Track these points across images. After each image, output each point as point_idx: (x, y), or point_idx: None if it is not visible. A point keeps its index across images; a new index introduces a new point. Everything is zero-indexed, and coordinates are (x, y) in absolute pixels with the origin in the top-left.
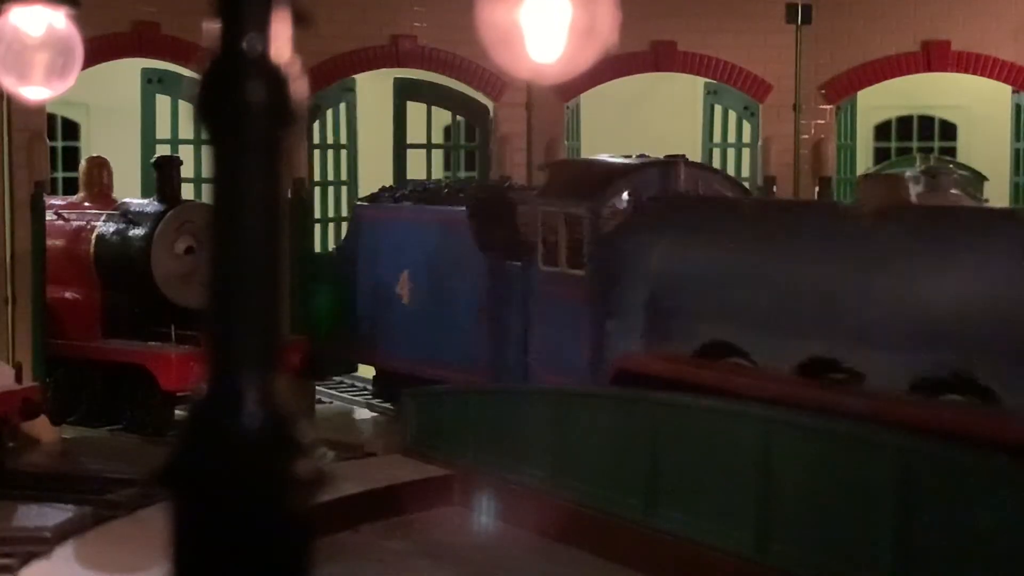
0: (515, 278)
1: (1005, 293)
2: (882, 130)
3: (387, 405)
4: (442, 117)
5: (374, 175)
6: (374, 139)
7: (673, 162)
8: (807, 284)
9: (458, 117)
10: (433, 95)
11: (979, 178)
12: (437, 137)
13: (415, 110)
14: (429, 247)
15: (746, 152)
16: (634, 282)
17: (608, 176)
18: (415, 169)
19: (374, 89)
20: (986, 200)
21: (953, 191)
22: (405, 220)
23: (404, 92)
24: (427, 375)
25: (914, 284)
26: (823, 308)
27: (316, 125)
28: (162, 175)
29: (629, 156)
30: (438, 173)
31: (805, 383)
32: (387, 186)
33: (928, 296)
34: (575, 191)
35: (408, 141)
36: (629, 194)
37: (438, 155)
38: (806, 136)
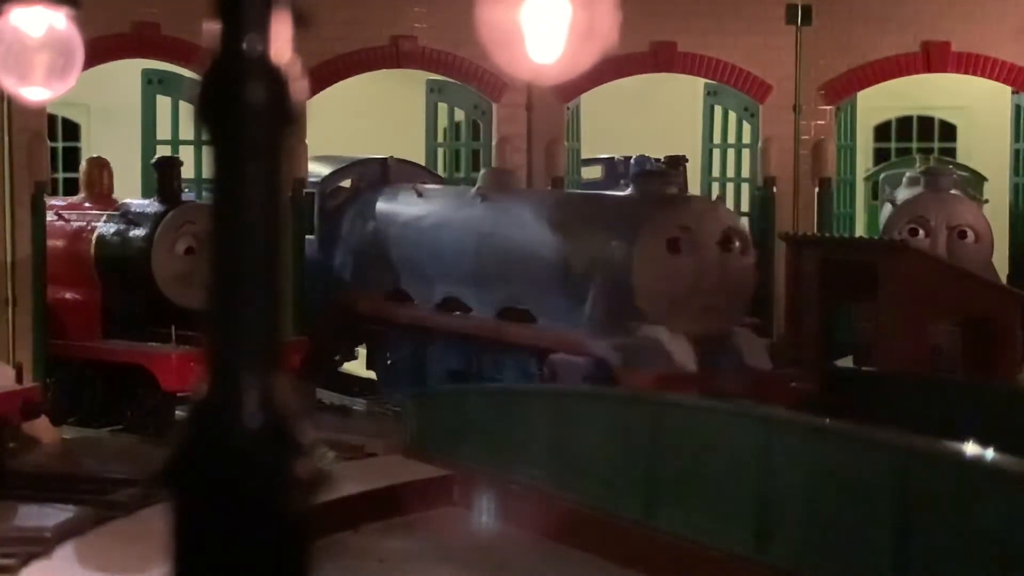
0: None
1: (535, 249)
2: (882, 131)
3: None
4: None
5: None
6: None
7: (386, 159)
8: (445, 245)
9: (457, 117)
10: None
11: (979, 178)
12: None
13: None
14: None
15: (746, 153)
16: (348, 244)
17: (335, 167)
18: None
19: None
20: (986, 200)
21: (953, 191)
22: None
23: (435, 93)
24: None
25: (501, 244)
26: (453, 262)
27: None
28: (162, 176)
29: (629, 156)
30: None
31: (440, 314)
32: None
33: (506, 252)
34: (313, 177)
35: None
36: (350, 181)
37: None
38: (806, 137)
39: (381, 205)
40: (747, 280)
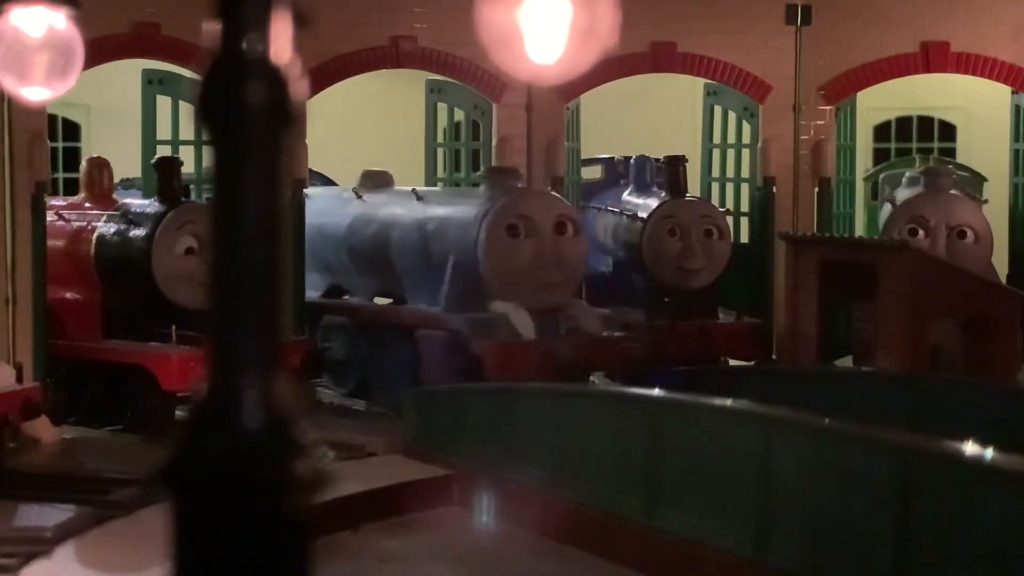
0: None
1: (402, 241)
2: (881, 131)
3: None
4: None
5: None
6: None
7: None
8: (326, 239)
9: (457, 117)
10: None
11: (978, 179)
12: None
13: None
14: None
15: (746, 153)
16: None
17: None
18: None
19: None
20: (986, 200)
21: (952, 191)
22: None
23: (435, 92)
24: None
25: (373, 237)
26: (334, 254)
27: None
28: (163, 176)
29: (629, 157)
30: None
31: (330, 301)
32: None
33: (378, 244)
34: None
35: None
36: None
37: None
38: (806, 137)
39: None
40: (579, 259)
